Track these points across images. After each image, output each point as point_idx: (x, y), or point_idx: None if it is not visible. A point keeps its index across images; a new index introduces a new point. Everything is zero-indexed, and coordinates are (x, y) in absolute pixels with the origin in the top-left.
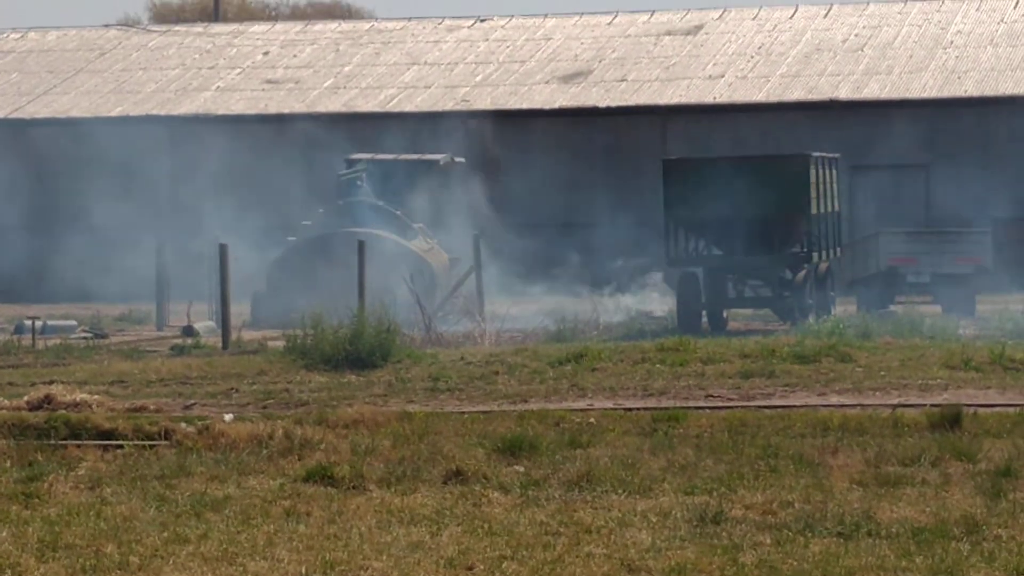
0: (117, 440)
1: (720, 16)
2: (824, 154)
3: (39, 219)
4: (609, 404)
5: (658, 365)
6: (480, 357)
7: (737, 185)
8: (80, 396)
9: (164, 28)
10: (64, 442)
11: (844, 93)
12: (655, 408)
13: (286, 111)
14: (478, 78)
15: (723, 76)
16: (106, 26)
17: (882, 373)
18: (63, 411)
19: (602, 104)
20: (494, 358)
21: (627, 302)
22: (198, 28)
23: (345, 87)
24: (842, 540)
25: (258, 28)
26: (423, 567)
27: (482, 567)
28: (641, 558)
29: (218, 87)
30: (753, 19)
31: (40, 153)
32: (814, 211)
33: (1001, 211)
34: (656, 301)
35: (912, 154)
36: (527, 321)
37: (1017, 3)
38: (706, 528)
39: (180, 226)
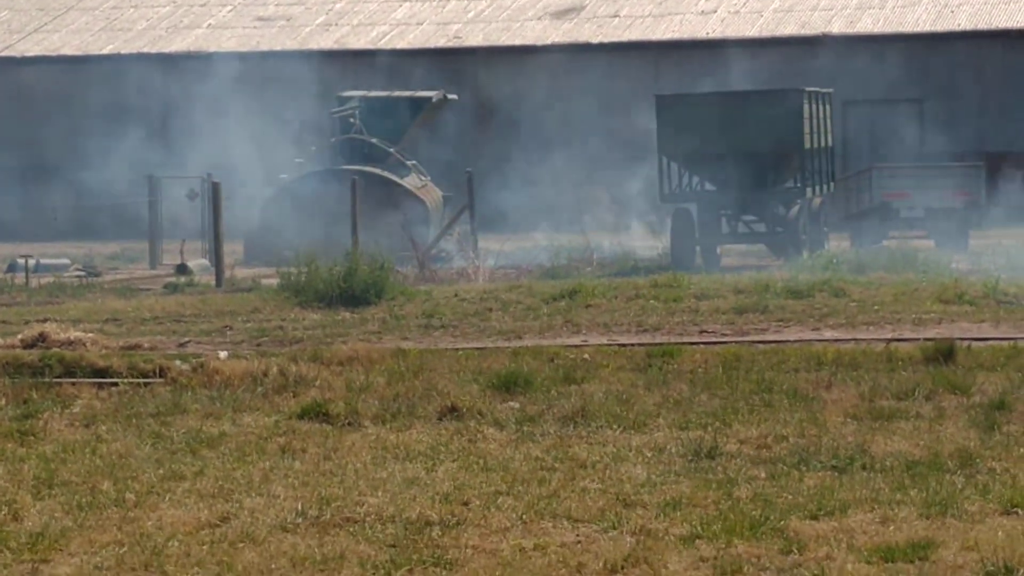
0: (112, 378)
1: None
2: (817, 89)
3: (31, 157)
4: (603, 340)
5: (652, 301)
6: (474, 294)
7: (730, 121)
8: (74, 334)
9: None
10: (59, 380)
11: (837, 27)
12: (649, 344)
13: (278, 48)
14: (470, 15)
15: (715, 11)
16: None
17: (876, 308)
18: (57, 349)
19: (595, 40)
20: (488, 295)
21: (620, 239)
22: None
23: (337, 24)
24: (836, 474)
25: None
26: (418, 503)
27: (477, 502)
28: (636, 493)
29: (209, 24)
30: None
31: (31, 91)
32: (807, 146)
33: (994, 146)
34: (647, 238)
35: (905, 88)
36: (521, 258)
37: None
38: (701, 463)
39: (172, 164)
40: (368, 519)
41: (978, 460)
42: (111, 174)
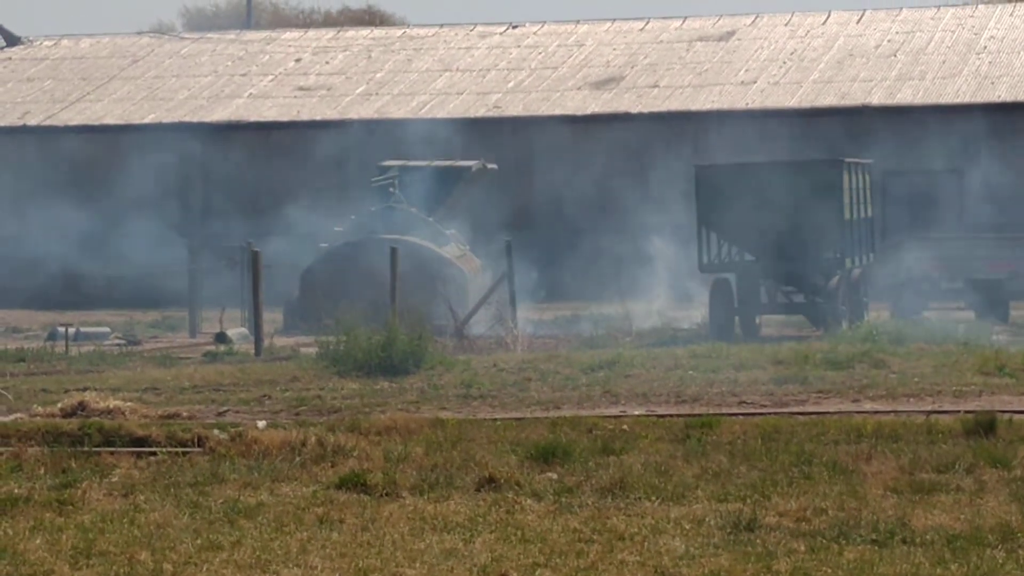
0: (150, 447)
1: (752, 22)
2: (857, 160)
3: (71, 225)
4: (642, 411)
5: (691, 371)
6: (512, 363)
7: (770, 191)
8: (113, 403)
9: (197, 35)
10: (97, 449)
11: (877, 99)
12: (688, 415)
13: (318, 118)
14: (510, 84)
15: (755, 82)
16: (139, 33)
17: (916, 379)
18: (96, 418)
19: (634, 110)
20: (526, 364)
21: (659, 308)
22: (231, 35)
23: (377, 93)
24: (877, 547)
25: (290, 35)
26: (456, 574)
27: (515, 574)
28: (675, 565)
29: (250, 94)
30: (786, 25)
31: (73, 160)
32: (847, 217)
33: None
34: (685, 308)
35: (945, 159)
36: (559, 327)
37: None
38: (740, 535)
39: (213, 232)
40: None
41: (1019, 534)
42: (153, 242)
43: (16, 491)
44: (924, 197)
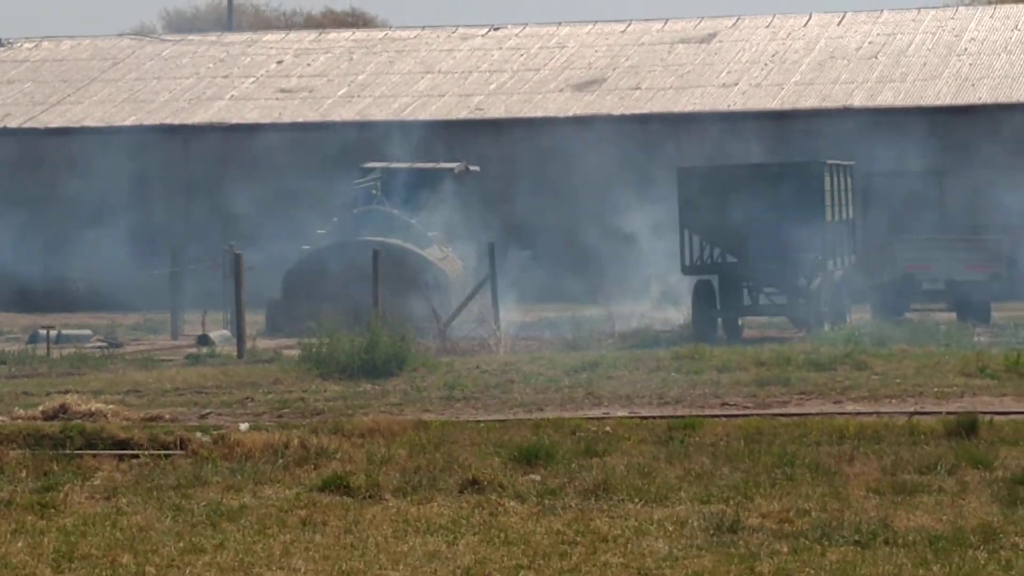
0: (132, 450)
1: (734, 24)
2: (838, 161)
3: (52, 228)
4: (625, 412)
5: (673, 373)
6: (495, 366)
7: (752, 193)
8: (95, 406)
9: (178, 37)
10: (79, 452)
11: (858, 100)
12: (671, 416)
13: (300, 120)
14: (492, 86)
15: (737, 84)
16: (120, 35)
17: (898, 381)
18: (78, 421)
19: (616, 112)
20: (509, 367)
21: (641, 310)
22: (212, 37)
23: (359, 96)
24: (859, 548)
25: (272, 37)
26: None
27: None
28: (658, 567)
29: (232, 96)
30: (767, 27)
31: (53, 162)
32: (829, 218)
33: (1015, 218)
34: (668, 309)
35: (926, 161)
36: (542, 329)
37: None
38: (723, 537)
39: (194, 235)
40: None
41: (1001, 535)
42: (133, 245)
43: None
44: (905, 198)
